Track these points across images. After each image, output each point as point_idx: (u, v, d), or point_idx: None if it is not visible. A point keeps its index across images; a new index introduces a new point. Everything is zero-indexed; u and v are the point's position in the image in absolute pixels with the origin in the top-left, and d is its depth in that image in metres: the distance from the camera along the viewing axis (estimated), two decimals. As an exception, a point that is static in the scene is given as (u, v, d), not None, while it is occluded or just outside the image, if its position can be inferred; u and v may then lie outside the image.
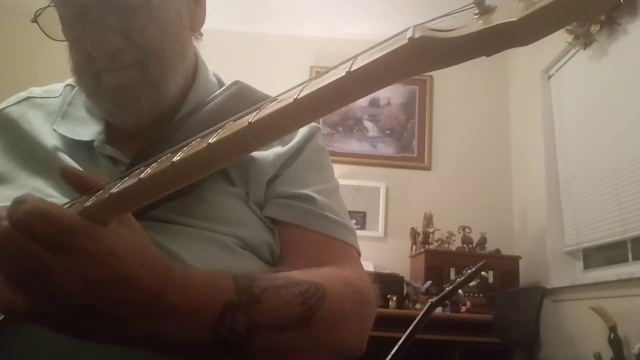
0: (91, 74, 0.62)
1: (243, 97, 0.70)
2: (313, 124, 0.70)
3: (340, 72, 0.31)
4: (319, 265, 0.60)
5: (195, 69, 0.72)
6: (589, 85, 2.81)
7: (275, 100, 0.36)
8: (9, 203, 0.57)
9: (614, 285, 2.35)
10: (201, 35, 0.72)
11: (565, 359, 2.63)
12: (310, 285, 0.53)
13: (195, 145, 0.37)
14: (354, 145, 3.64)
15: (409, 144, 3.66)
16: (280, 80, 3.64)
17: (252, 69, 3.40)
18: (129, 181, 0.39)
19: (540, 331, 2.61)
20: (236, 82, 0.73)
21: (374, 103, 3.73)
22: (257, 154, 0.64)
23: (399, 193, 3.56)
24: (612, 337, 2.18)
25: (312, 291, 0.53)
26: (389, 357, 1.34)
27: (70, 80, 0.75)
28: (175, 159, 0.37)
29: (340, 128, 3.68)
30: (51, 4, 0.61)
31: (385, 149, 3.66)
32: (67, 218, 0.39)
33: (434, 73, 3.61)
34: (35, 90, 0.75)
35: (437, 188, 3.55)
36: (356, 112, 3.70)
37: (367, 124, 3.70)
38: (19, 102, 0.73)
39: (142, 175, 0.38)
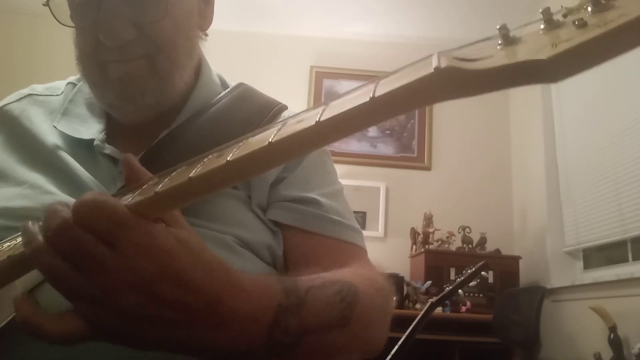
0: (98, 63, 0.62)
1: (247, 100, 0.70)
2: None
3: (363, 97, 0.31)
4: (329, 268, 0.59)
5: (199, 68, 0.72)
6: (589, 85, 2.81)
7: (294, 120, 0.35)
8: (8, 199, 0.57)
9: (614, 285, 2.35)
10: (206, 35, 0.72)
11: (565, 359, 2.63)
12: (344, 284, 0.53)
13: (213, 160, 0.37)
14: (354, 145, 3.64)
15: (409, 144, 3.66)
16: (280, 80, 3.66)
17: (252, 69, 3.40)
18: (143, 193, 0.39)
19: (540, 331, 2.61)
20: (240, 85, 0.73)
21: (374, 103, 3.73)
22: None
23: (399, 193, 3.56)
24: (612, 337, 2.18)
25: (347, 290, 0.52)
26: (389, 357, 1.34)
27: (72, 78, 0.75)
28: (192, 174, 0.36)
29: (340, 128, 3.68)
30: None
31: (385, 149, 3.66)
32: (121, 210, 0.38)
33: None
34: (37, 88, 0.74)
35: (437, 188, 3.55)
36: (356, 112, 3.70)
37: (367, 124, 3.70)
38: (20, 99, 0.72)
39: (158, 188, 0.38)
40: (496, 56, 0.27)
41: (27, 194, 0.59)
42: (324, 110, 0.33)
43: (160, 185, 0.38)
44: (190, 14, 0.66)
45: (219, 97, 0.70)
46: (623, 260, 2.52)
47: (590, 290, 2.55)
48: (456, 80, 0.28)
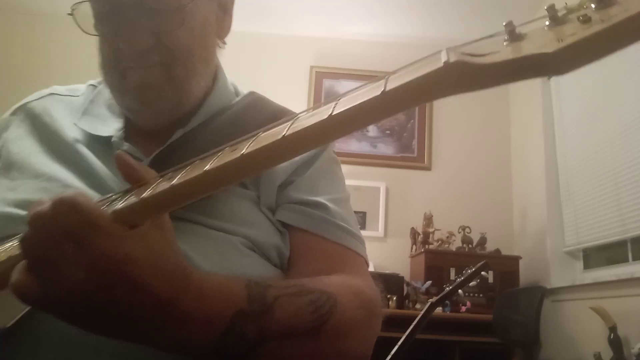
0: (118, 70, 0.64)
1: (257, 108, 0.73)
2: None
3: (374, 91, 0.32)
4: (328, 272, 0.61)
5: (216, 75, 0.74)
6: (589, 85, 2.81)
7: (306, 114, 0.37)
8: (30, 194, 0.60)
9: (614, 285, 2.35)
10: (225, 44, 0.74)
11: (565, 359, 2.63)
12: (322, 294, 0.54)
13: (227, 154, 0.39)
14: (354, 145, 3.63)
15: (409, 144, 3.66)
16: (280, 80, 3.65)
17: (252, 69, 3.40)
18: (160, 186, 0.41)
19: (540, 331, 2.61)
20: (252, 93, 0.76)
21: (374, 103, 3.72)
22: None
23: (399, 193, 3.56)
24: (612, 337, 2.18)
25: (324, 300, 0.53)
26: (389, 357, 1.34)
27: (93, 81, 0.78)
28: (207, 167, 0.38)
29: (340, 128, 3.68)
30: (85, 0, 0.64)
31: (385, 149, 3.65)
32: (96, 214, 0.40)
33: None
34: (58, 88, 0.77)
35: (437, 188, 3.54)
36: (356, 112, 3.69)
37: (367, 123, 3.69)
38: (42, 97, 0.75)
39: (174, 181, 0.39)
40: (503, 51, 0.28)
41: (45, 187, 0.61)
42: (335, 104, 0.34)
43: (177, 179, 0.39)
44: (208, 23, 0.68)
45: (231, 104, 0.72)
46: (623, 260, 2.52)
47: (590, 290, 2.55)
48: (465, 75, 0.29)
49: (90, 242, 0.40)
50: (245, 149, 0.37)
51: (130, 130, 0.69)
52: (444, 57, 0.30)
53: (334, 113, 0.34)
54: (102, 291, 0.41)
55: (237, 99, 0.74)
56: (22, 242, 0.42)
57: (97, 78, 0.75)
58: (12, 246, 0.50)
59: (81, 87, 0.78)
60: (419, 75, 0.30)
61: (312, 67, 3.74)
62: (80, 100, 0.74)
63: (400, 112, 0.33)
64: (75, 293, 0.41)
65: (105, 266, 0.40)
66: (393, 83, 0.32)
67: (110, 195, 0.49)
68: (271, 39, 3.72)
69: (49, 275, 0.41)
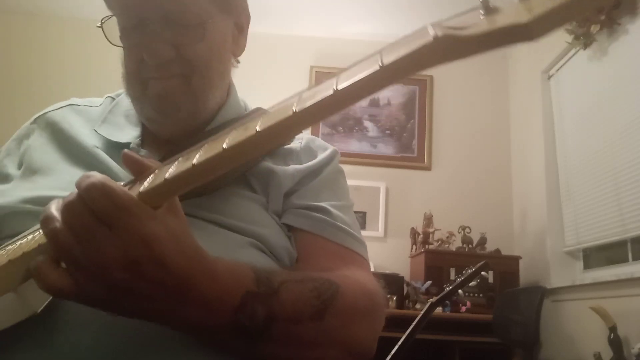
0: (140, 80, 0.68)
1: None
2: (333, 148, 0.81)
3: (372, 66, 0.36)
4: (327, 270, 0.63)
5: (229, 90, 0.78)
6: (589, 85, 2.81)
7: (309, 92, 0.40)
8: (49, 192, 0.63)
9: (614, 285, 2.35)
10: (238, 62, 0.79)
11: (565, 359, 2.63)
12: (325, 281, 0.57)
13: (240, 132, 0.41)
14: (354, 145, 3.63)
15: (409, 144, 3.66)
16: (280, 80, 3.64)
17: (252, 69, 3.40)
18: (180, 166, 0.43)
19: (540, 331, 2.61)
20: (259, 109, 0.80)
21: (374, 103, 3.72)
22: (277, 167, 0.71)
23: (399, 193, 3.56)
24: (612, 337, 2.18)
25: (327, 286, 0.56)
26: (389, 357, 1.34)
27: (111, 94, 0.82)
28: (225, 145, 0.41)
29: (340, 128, 3.68)
30: (111, 15, 0.68)
31: (385, 149, 3.65)
32: (126, 197, 0.43)
33: (434, 73, 3.61)
34: (77, 100, 0.82)
35: (437, 188, 3.54)
36: (356, 112, 3.69)
37: (367, 124, 3.70)
38: (61, 107, 0.79)
39: (195, 161, 0.41)
40: (482, 23, 0.32)
41: (63, 187, 0.63)
42: (337, 79, 0.38)
43: (196, 159, 0.42)
44: (225, 40, 0.73)
45: (240, 117, 0.76)
46: (623, 260, 2.52)
47: (590, 290, 2.55)
48: (452, 46, 0.33)
49: (122, 224, 0.42)
50: (259, 126, 0.40)
51: (147, 138, 0.73)
52: (431, 32, 0.33)
53: (338, 88, 0.37)
54: (132, 272, 0.43)
55: (246, 113, 0.79)
56: (54, 234, 0.43)
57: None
58: (40, 235, 0.51)
59: (98, 99, 0.82)
60: (412, 49, 0.34)
61: (312, 67, 3.74)
62: (99, 110, 0.78)
63: (396, 82, 0.36)
64: (107, 276, 0.43)
65: (136, 247, 0.42)
66: (388, 58, 0.35)
67: (120, 182, 0.50)
68: (271, 39, 3.72)
69: (81, 262, 0.43)
